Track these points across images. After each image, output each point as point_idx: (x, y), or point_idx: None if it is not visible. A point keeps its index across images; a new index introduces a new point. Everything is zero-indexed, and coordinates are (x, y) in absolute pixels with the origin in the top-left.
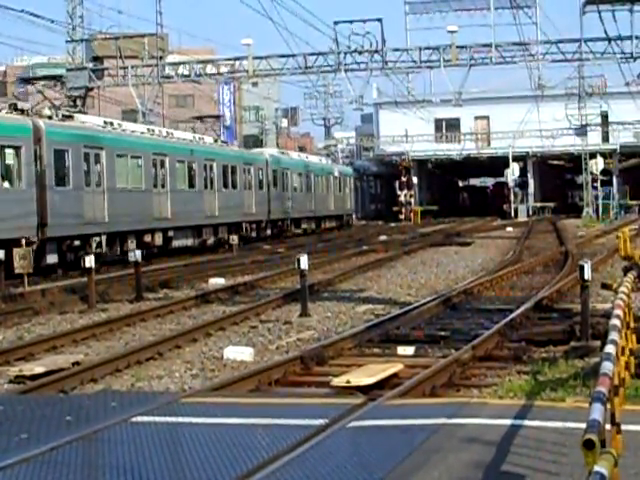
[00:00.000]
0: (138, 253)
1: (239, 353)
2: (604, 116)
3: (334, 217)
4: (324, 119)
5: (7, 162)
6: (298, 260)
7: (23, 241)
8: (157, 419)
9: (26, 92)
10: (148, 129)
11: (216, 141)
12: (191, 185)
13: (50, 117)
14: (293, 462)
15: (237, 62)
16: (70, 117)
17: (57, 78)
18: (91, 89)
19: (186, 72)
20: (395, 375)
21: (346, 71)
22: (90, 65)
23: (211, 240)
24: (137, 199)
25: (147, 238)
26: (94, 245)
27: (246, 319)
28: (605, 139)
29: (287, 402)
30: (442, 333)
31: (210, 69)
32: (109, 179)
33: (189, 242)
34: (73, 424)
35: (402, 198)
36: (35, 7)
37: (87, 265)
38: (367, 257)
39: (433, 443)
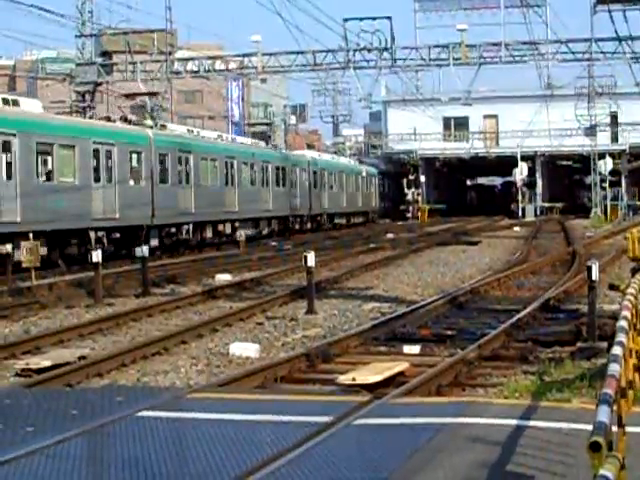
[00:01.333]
0: (145, 249)
1: (245, 349)
2: (614, 116)
3: (361, 213)
4: (332, 116)
5: (133, 164)
6: (305, 257)
7: (30, 235)
8: (162, 414)
9: (35, 86)
10: (219, 135)
11: (267, 145)
12: (252, 183)
13: (151, 127)
14: (298, 459)
15: (246, 58)
16: (164, 127)
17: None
18: (100, 84)
19: (195, 68)
20: (401, 373)
21: (355, 69)
22: (99, 60)
23: (265, 230)
24: (214, 195)
25: (220, 227)
26: (184, 232)
27: (252, 315)
28: (614, 139)
29: (292, 399)
30: (448, 332)
31: (219, 65)
32: (195, 178)
33: (250, 231)
34: (79, 418)
35: (409, 196)
36: (44, 2)
37: (94, 260)
38: (374, 255)
39: (438, 442)
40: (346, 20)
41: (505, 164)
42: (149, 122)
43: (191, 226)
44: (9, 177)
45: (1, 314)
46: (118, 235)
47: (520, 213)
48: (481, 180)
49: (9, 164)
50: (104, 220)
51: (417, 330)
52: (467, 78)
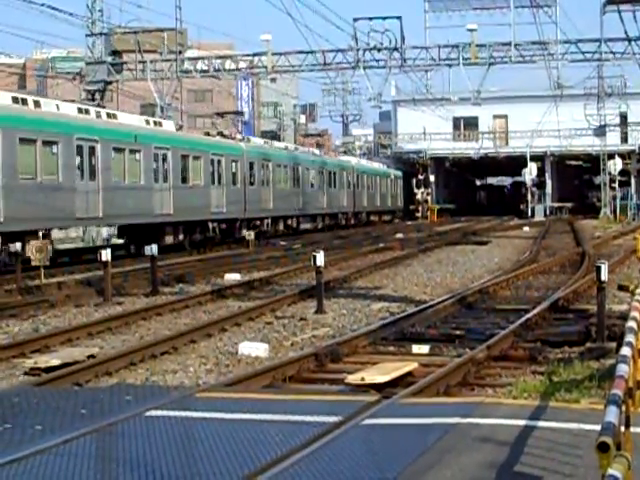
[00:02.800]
0: (154, 247)
1: (254, 349)
2: (623, 116)
3: (389, 211)
4: (342, 116)
5: (233, 170)
6: (314, 257)
7: (40, 234)
8: (171, 413)
9: (45, 85)
10: (285, 146)
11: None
12: (312, 185)
13: (242, 140)
14: (306, 459)
15: (256, 58)
16: (249, 140)
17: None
18: (110, 83)
19: (205, 67)
20: (410, 373)
21: (365, 68)
22: (109, 59)
23: (320, 225)
24: (286, 195)
25: (289, 222)
26: (265, 225)
27: (261, 315)
28: (624, 140)
29: (301, 399)
30: (457, 332)
31: (229, 64)
32: (274, 181)
33: (309, 226)
34: (87, 417)
35: (419, 196)
36: (55, 1)
37: (104, 259)
38: (383, 255)
39: (447, 442)
40: (356, 20)
41: (514, 164)
42: (239, 136)
43: (270, 220)
44: (165, 180)
45: (10, 312)
46: (224, 226)
47: (529, 213)
48: (490, 180)
49: (166, 170)
50: (217, 214)
51: (426, 330)
52: (477, 78)
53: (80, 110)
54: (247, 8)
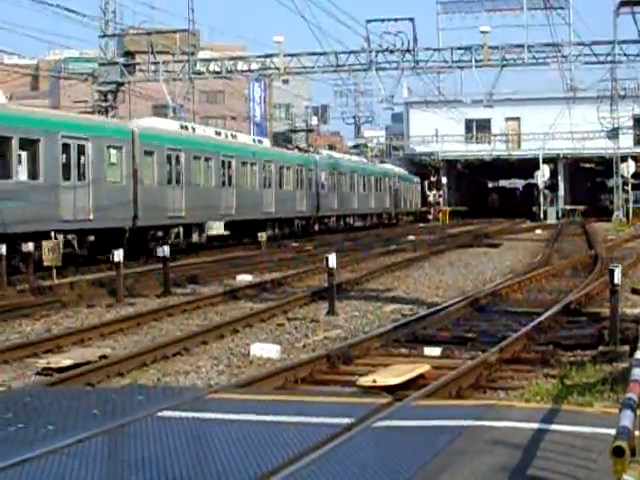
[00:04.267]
0: (167, 249)
1: (266, 350)
2: (636, 119)
3: (411, 212)
4: (354, 117)
5: (300, 177)
6: (326, 259)
7: (52, 234)
8: (183, 414)
9: (57, 86)
10: (349, 158)
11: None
12: (364, 189)
13: (314, 152)
14: (318, 461)
15: (268, 59)
16: (308, 150)
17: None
18: (122, 84)
19: (217, 68)
20: (422, 376)
21: (377, 70)
22: (122, 60)
23: (368, 223)
24: (344, 196)
25: (348, 220)
26: (331, 221)
27: (273, 316)
28: (637, 142)
29: (313, 400)
30: (469, 335)
31: (241, 66)
32: (337, 186)
33: (360, 223)
34: (100, 417)
35: (431, 198)
36: (68, 2)
37: (115, 259)
38: (395, 257)
39: (458, 445)
40: (369, 21)
41: (527, 166)
42: (312, 149)
43: (334, 218)
44: (270, 185)
45: (23, 312)
46: (304, 222)
47: (542, 216)
48: (503, 182)
49: (270, 178)
50: (300, 212)
51: (438, 332)
52: (489, 80)
53: (217, 133)
54: (259, 10)
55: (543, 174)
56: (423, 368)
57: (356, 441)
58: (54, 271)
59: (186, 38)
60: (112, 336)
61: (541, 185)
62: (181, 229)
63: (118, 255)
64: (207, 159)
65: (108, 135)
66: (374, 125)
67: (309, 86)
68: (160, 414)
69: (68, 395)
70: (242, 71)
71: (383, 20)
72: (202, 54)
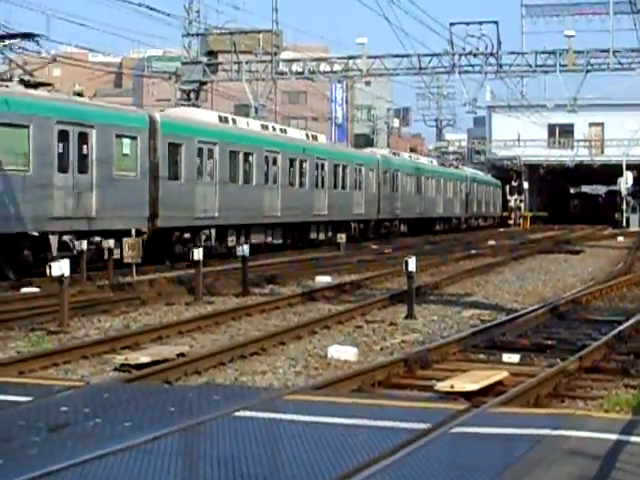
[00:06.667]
0: (246, 248)
1: (343, 352)
2: None
3: (492, 217)
4: (436, 120)
5: (369, 177)
6: (406, 262)
7: (133, 231)
8: (259, 414)
9: (141, 84)
10: (430, 161)
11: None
12: (454, 194)
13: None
14: (392, 465)
15: (351, 61)
16: (396, 154)
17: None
18: (204, 83)
19: (300, 69)
20: (499, 383)
21: (460, 73)
22: (205, 59)
23: (449, 225)
24: (429, 201)
25: (437, 224)
26: (393, 226)
27: (351, 318)
28: None
29: (389, 404)
30: (548, 342)
31: (324, 67)
32: (425, 189)
33: (446, 227)
34: (176, 415)
35: (512, 203)
36: (153, 1)
37: (195, 258)
38: (475, 261)
39: (536, 454)
40: (452, 24)
41: (610, 173)
42: (382, 151)
43: (398, 221)
44: (323, 186)
45: (103, 308)
46: (362, 226)
47: (624, 223)
48: (585, 188)
49: (324, 178)
50: (357, 214)
51: (517, 339)
52: (573, 85)
53: (264, 127)
54: (343, 11)
55: (626, 181)
56: (501, 375)
57: (432, 447)
58: (134, 268)
59: (269, 38)
60: (190, 334)
61: (624, 192)
62: (213, 231)
63: (198, 253)
64: (247, 154)
65: (117, 123)
66: (456, 128)
67: (391, 88)
68: (236, 414)
69: (145, 392)
70: (324, 72)
71: (467, 23)
72: (285, 54)
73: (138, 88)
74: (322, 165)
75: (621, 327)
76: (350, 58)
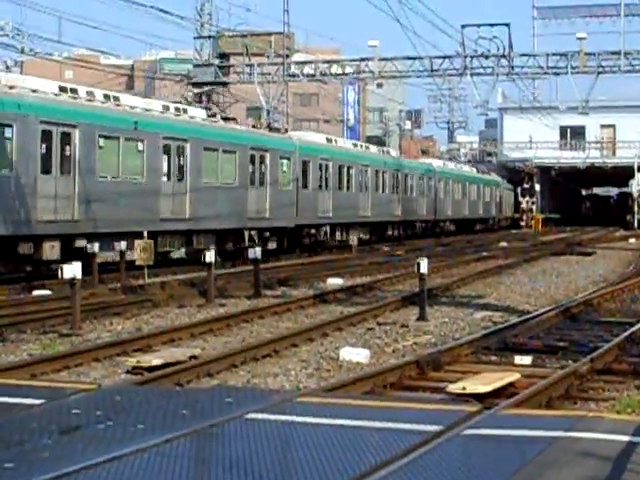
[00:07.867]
0: (258, 250)
1: (355, 354)
2: None
3: (509, 218)
4: (448, 122)
5: (426, 184)
6: (418, 264)
7: (145, 233)
8: (271, 417)
9: (152, 86)
10: (443, 163)
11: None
12: (484, 198)
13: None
14: (405, 468)
15: (363, 63)
16: (440, 158)
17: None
18: (222, 84)
19: (311, 71)
20: (511, 384)
21: (472, 75)
22: (216, 62)
23: (486, 225)
24: (455, 203)
25: (441, 224)
26: (417, 228)
27: (363, 320)
28: None
29: (401, 406)
30: (560, 344)
31: (335, 69)
32: (444, 192)
33: (482, 226)
34: (188, 417)
35: (524, 205)
36: (164, 3)
37: (207, 260)
38: (486, 263)
39: (548, 456)
40: (464, 26)
41: (621, 174)
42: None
43: (448, 222)
44: (397, 192)
45: (115, 311)
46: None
47: (635, 225)
48: (596, 190)
49: (367, 182)
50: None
51: (529, 341)
52: (585, 87)
53: (354, 145)
54: (355, 13)
55: (638, 182)
56: (513, 377)
57: (444, 449)
58: (145, 270)
59: (281, 40)
60: (202, 336)
61: (635, 194)
62: (327, 228)
63: (210, 256)
64: (349, 168)
65: (280, 148)
66: (467, 130)
67: (403, 90)
68: (248, 416)
69: (157, 394)
70: (336, 74)
71: (479, 25)
72: (297, 57)
73: (150, 90)
74: (405, 175)
75: (633, 329)
76: (362, 60)
